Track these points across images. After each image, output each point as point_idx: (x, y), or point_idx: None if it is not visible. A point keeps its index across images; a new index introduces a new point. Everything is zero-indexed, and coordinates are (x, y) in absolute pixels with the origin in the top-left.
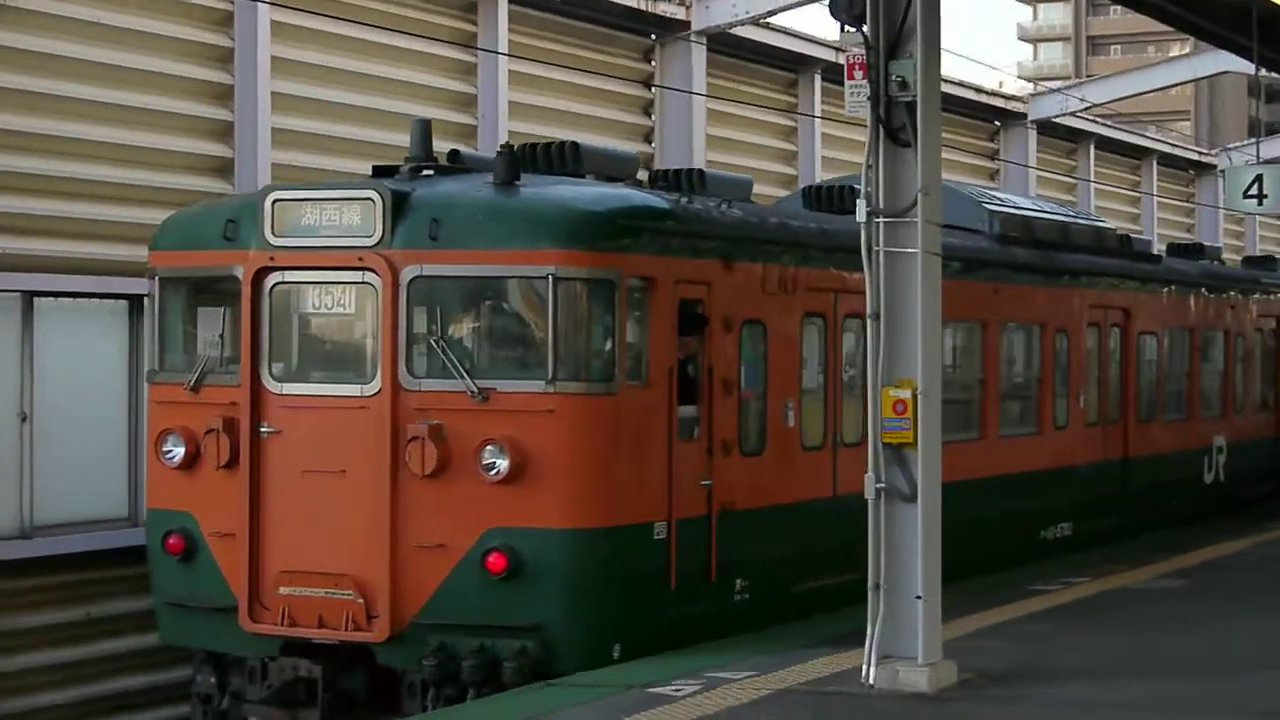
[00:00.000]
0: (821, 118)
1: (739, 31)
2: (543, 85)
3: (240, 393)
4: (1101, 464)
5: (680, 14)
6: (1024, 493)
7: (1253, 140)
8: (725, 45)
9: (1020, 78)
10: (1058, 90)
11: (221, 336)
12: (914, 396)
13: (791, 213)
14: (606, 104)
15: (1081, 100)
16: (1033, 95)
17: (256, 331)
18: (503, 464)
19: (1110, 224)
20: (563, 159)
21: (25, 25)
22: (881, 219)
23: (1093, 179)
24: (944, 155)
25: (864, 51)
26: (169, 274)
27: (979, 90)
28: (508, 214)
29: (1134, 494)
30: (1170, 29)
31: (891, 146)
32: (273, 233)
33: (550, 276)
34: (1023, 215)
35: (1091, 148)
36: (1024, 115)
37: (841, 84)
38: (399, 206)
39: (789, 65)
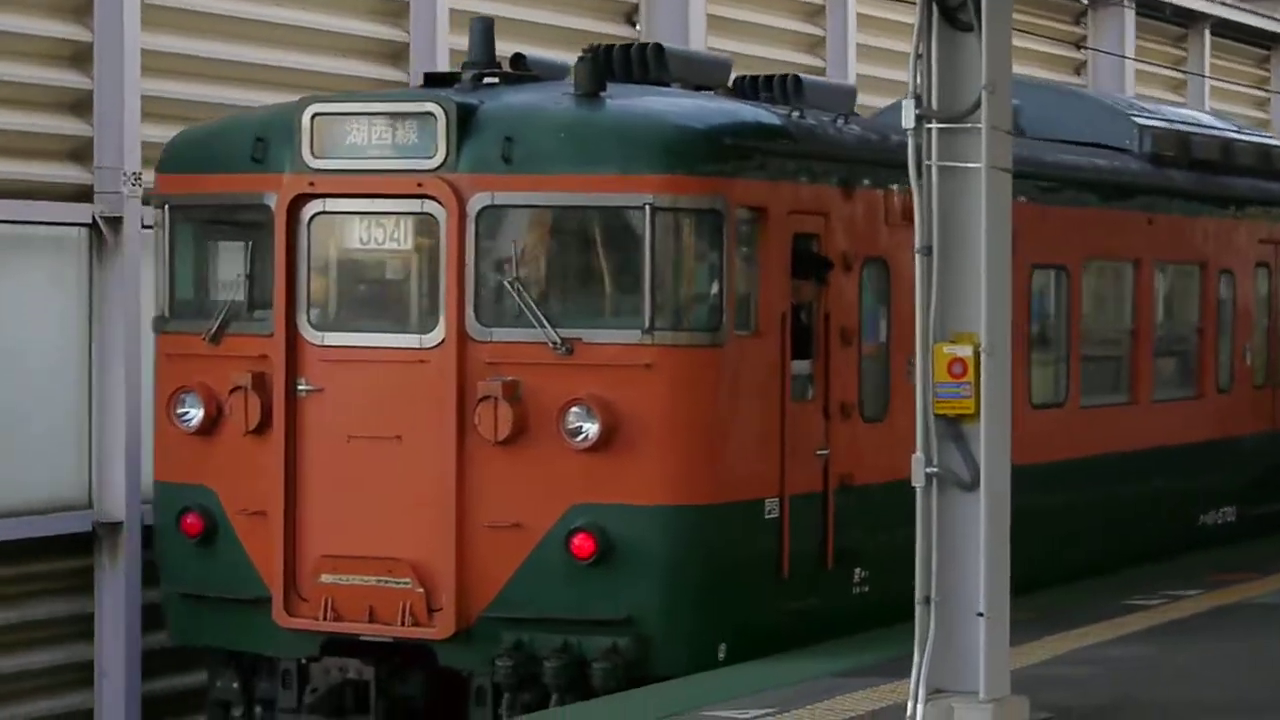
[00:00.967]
0: None
1: None
2: None
3: (272, 343)
4: (1272, 435)
5: None
6: (1181, 469)
7: None
8: None
9: None
10: None
11: (248, 276)
12: (976, 355)
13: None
14: None
15: None
16: None
17: (292, 271)
18: (591, 429)
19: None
20: (644, 64)
21: None
22: (935, 124)
23: (1208, 74)
24: (1015, 42)
25: None
26: (181, 201)
27: None
28: (595, 132)
29: None
30: None
31: (948, 30)
32: (312, 153)
33: (647, 206)
34: (1179, 131)
35: (1207, 33)
36: None
37: None
38: (465, 122)
39: None
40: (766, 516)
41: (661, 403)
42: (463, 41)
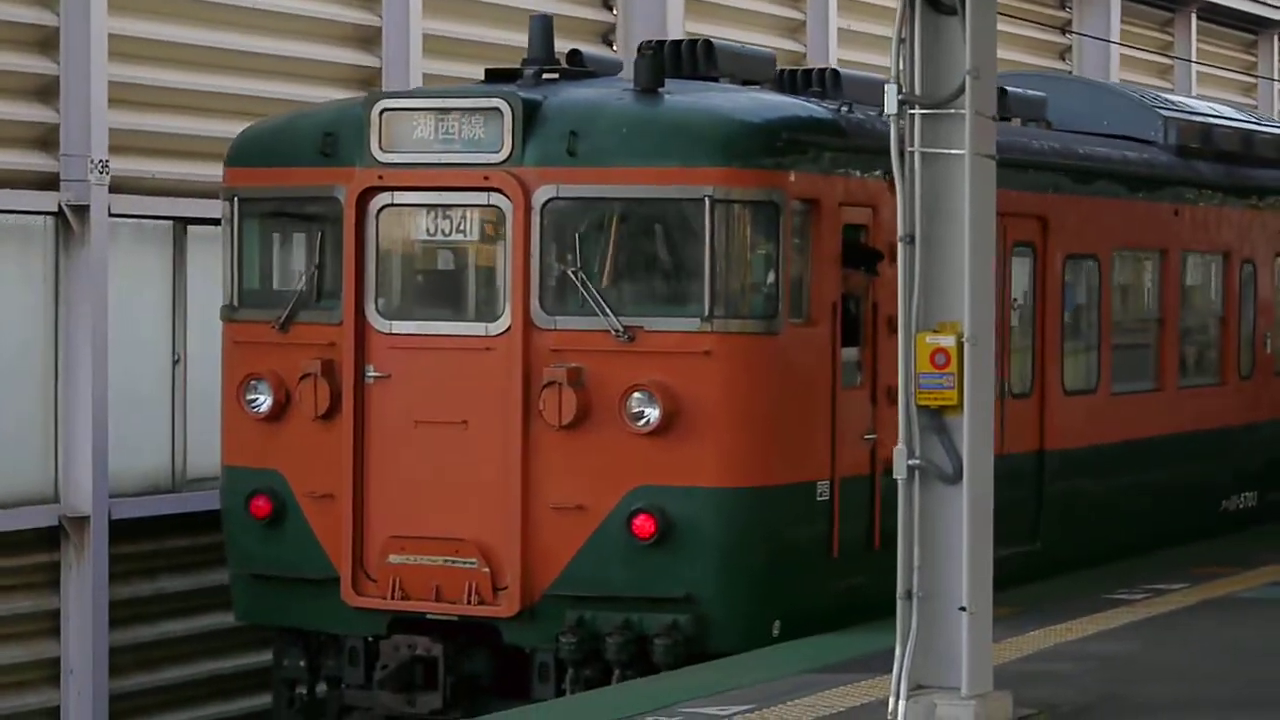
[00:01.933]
0: None
1: None
2: None
3: (341, 332)
4: None
5: None
6: (1206, 455)
7: None
8: None
9: None
10: None
11: (317, 267)
12: (959, 345)
13: None
14: None
15: None
16: None
17: (361, 261)
18: (652, 413)
19: None
20: (694, 60)
21: None
22: (917, 110)
23: (1195, 59)
24: (1000, 27)
25: None
26: (251, 194)
27: None
28: (657, 126)
29: None
30: None
31: (931, 14)
32: (380, 148)
33: (707, 198)
34: (1203, 123)
35: (1194, 18)
36: None
37: None
38: (530, 117)
39: None
40: (818, 499)
41: (720, 388)
42: (431, 65)
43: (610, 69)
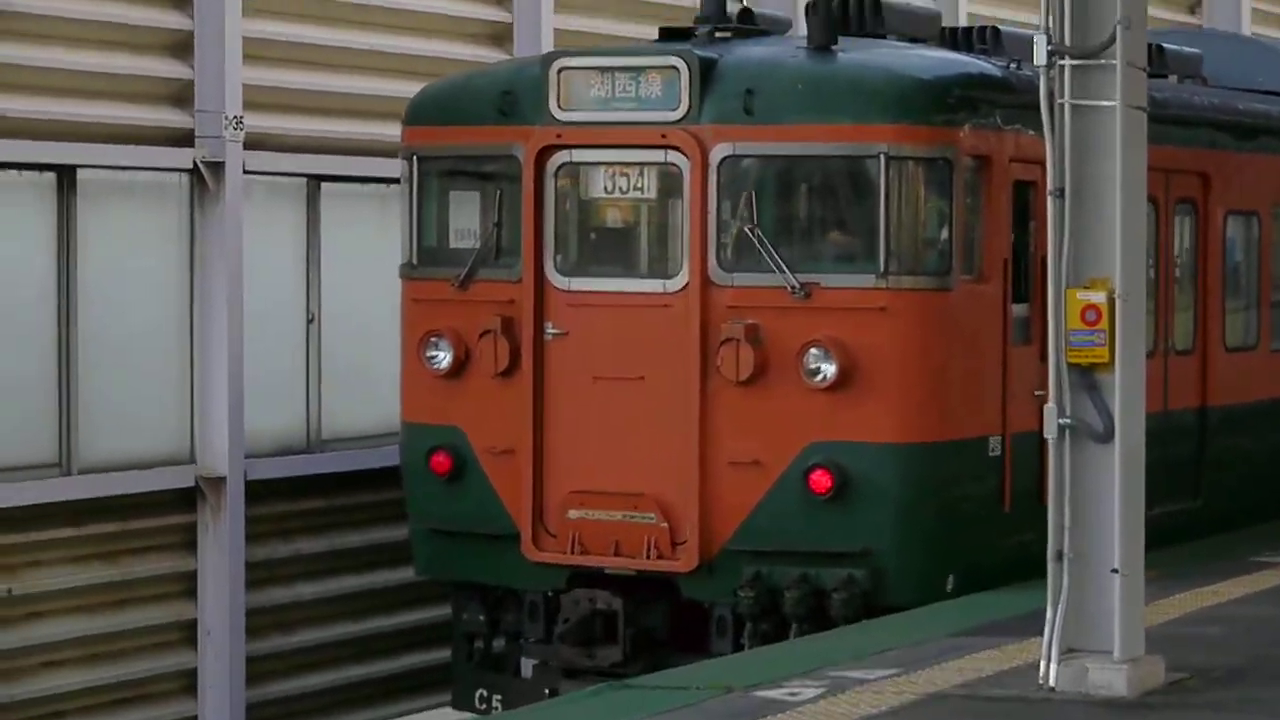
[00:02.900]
0: None
1: None
2: None
3: (521, 289)
4: None
5: None
6: None
7: None
8: None
9: None
10: None
11: (496, 225)
12: (1110, 301)
13: None
14: None
15: None
16: None
17: (540, 220)
18: (829, 369)
19: None
20: (861, 17)
21: None
22: (1067, 61)
23: None
24: None
25: None
26: (429, 152)
27: None
28: (832, 84)
29: None
30: None
31: None
32: (559, 106)
33: (882, 155)
34: None
35: None
36: None
37: None
38: (707, 75)
39: None
40: (990, 454)
41: (895, 344)
42: (563, 20)
43: (780, 27)
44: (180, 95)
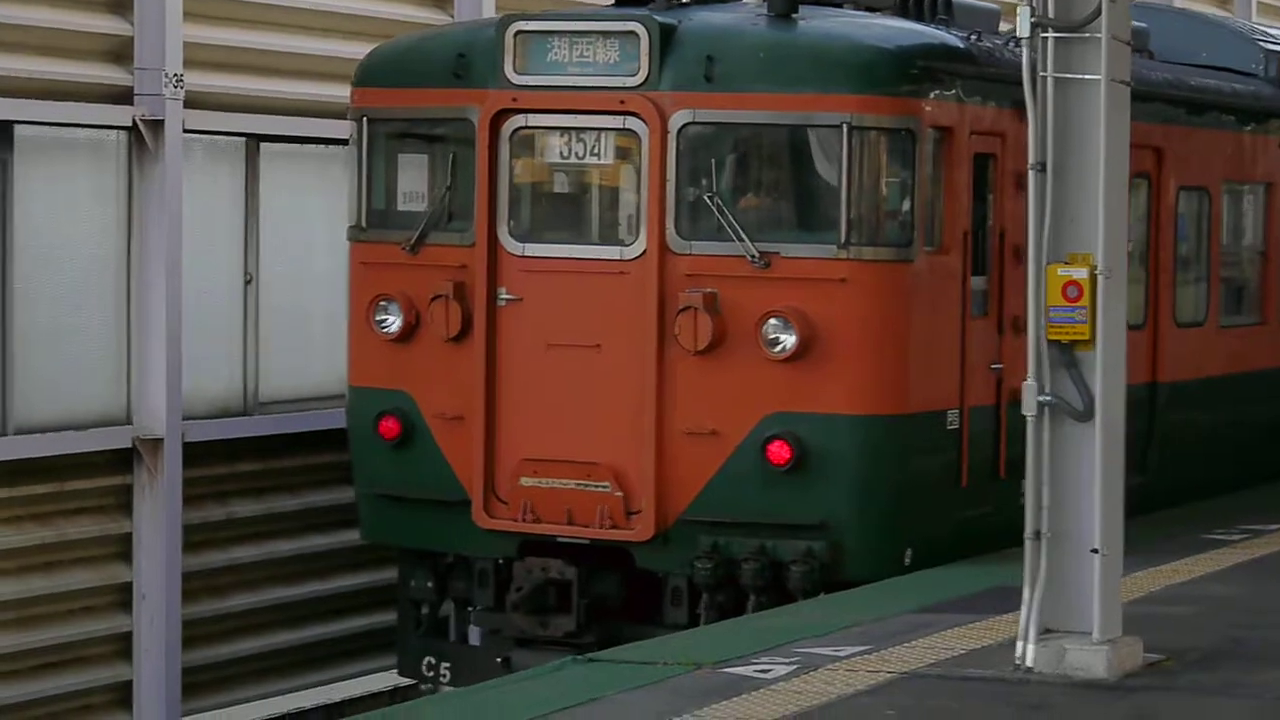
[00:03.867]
0: None
1: None
2: None
3: (474, 254)
4: None
5: None
6: None
7: None
8: None
9: None
10: None
11: (449, 189)
12: (1092, 277)
13: None
14: None
15: None
16: None
17: (494, 184)
18: (789, 340)
19: None
20: None
21: None
22: (1050, 34)
23: None
24: None
25: None
26: (380, 114)
27: None
28: (794, 52)
29: None
30: None
31: None
32: (514, 69)
33: (845, 125)
34: None
35: None
36: None
37: None
38: (666, 41)
39: None
40: (948, 427)
41: (856, 315)
42: None
43: None
44: (119, 51)
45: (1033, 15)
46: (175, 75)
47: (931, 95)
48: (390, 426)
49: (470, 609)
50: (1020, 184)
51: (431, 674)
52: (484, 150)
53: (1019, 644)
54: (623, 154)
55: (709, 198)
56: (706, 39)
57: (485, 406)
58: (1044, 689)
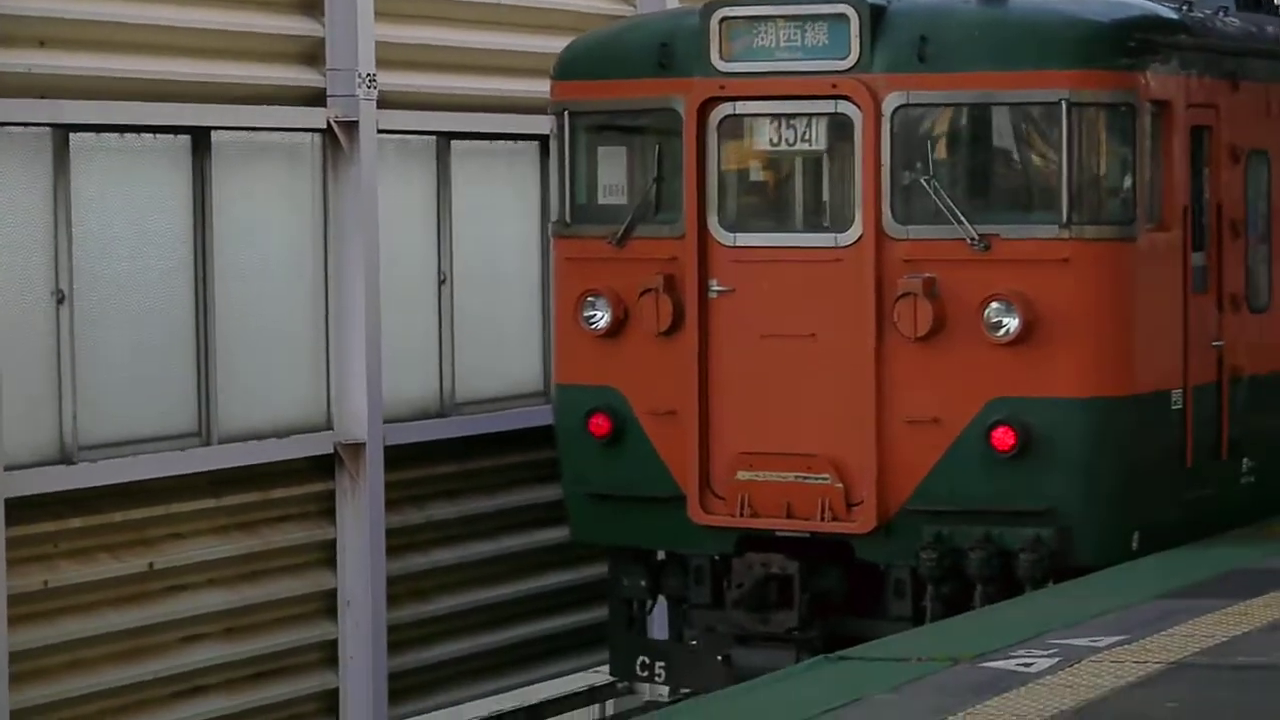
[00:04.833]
0: None
1: None
2: None
3: (683, 245)
4: None
5: None
6: None
7: None
8: None
9: None
10: None
11: (656, 180)
12: None
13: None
14: None
15: None
16: None
17: (703, 173)
18: (1012, 323)
19: None
20: None
21: None
22: None
23: None
24: None
25: None
26: (582, 107)
27: None
28: (1008, 29)
29: None
30: None
31: None
32: (721, 57)
33: (1063, 101)
34: None
35: None
36: None
37: None
38: (876, 23)
39: None
40: (1173, 407)
41: (1080, 296)
42: None
43: None
44: (312, 53)
45: None
46: (369, 75)
47: (1149, 69)
48: (600, 424)
49: (684, 606)
50: (1235, 157)
51: (645, 673)
52: (691, 139)
53: None
54: (835, 138)
55: (925, 180)
56: (918, 19)
57: (699, 400)
58: None
